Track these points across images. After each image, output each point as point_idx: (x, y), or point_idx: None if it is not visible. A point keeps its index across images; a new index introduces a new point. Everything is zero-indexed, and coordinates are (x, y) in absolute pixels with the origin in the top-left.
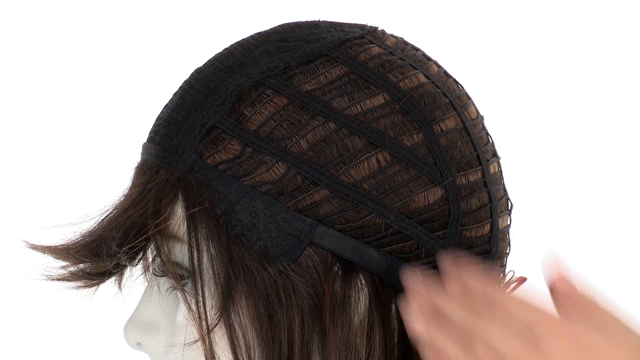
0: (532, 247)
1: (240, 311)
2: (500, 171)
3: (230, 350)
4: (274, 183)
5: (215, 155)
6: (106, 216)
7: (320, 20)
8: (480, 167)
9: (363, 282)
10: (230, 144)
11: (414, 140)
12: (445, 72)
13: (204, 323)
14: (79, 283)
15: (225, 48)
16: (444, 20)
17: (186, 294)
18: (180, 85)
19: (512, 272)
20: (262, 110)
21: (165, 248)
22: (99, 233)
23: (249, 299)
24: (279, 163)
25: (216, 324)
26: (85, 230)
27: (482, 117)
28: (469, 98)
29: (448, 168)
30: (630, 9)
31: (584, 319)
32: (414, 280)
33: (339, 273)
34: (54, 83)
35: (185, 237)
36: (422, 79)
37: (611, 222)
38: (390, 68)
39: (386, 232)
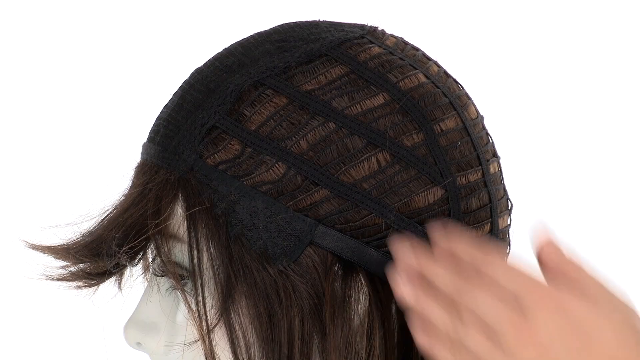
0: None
1: (240, 311)
2: (500, 171)
3: (230, 350)
4: (274, 183)
5: (215, 155)
6: (106, 216)
7: (320, 20)
8: (480, 167)
9: (363, 282)
10: (230, 144)
11: (414, 140)
12: (445, 72)
13: (204, 323)
14: (79, 283)
15: (225, 48)
16: (444, 20)
17: (186, 293)
18: (180, 85)
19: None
20: (262, 110)
21: (165, 248)
22: (99, 233)
23: (249, 299)
24: (279, 163)
25: (216, 324)
26: (85, 230)
27: (482, 117)
28: (469, 98)
29: (448, 168)
30: (630, 9)
31: (571, 288)
32: (403, 248)
33: (339, 273)
34: (54, 83)
35: (185, 237)
36: (422, 79)
37: (611, 222)
38: (390, 68)
39: (386, 232)
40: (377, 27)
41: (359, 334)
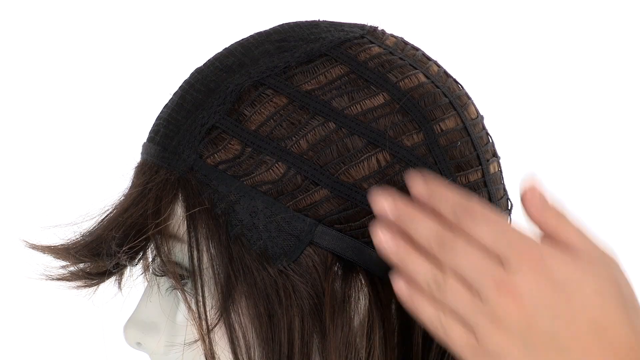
0: None
1: (240, 311)
2: (500, 171)
3: (230, 350)
4: (274, 183)
5: (215, 155)
6: (106, 216)
7: (320, 20)
8: (480, 167)
9: (363, 282)
10: (230, 143)
11: (414, 140)
12: (445, 72)
13: (204, 323)
14: (79, 283)
15: (225, 48)
16: (444, 20)
17: (186, 293)
18: (180, 85)
19: None
20: (262, 110)
21: (165, 248)
22: (99, 233)
23: (248, 299)
24: (279, 163)
25: (216, 324)
26: (85, 230)
27: (482, 117)
28: (469, 98)
29: (448, 168)
30: (630, 9)
31: (555, 243)
32: (383, 200)
33: (339, 273)
34: (54, 83)
35: (185, 237)
36: (422, 78)
37: (611, 222)
38: (390, 68)
39: None
40: (377, 27)
41: (359, 334)
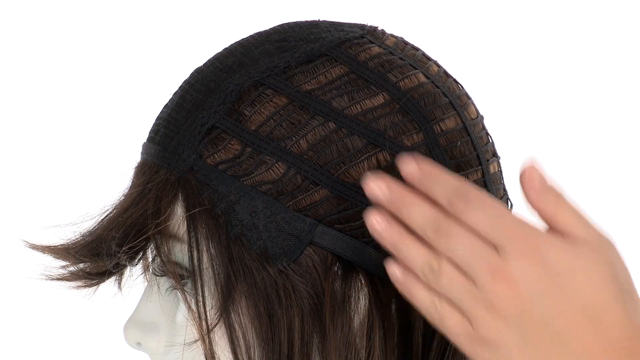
0: None
1: (240, 311)
2: (500, 171)
3: (230, 350)
4: (274, 183)
5: (215, 155)
6: (106, 216)
7: (320, 20)
8: (480, 166)
9: (363, 282)
10: (230, 143)
11: (414, 140)
12: (445, 72)
13: (203, 323)
14: (79, 283)
15: (225, 48)
16: (444, 20)
17: (186, 293)
18: (180, 85)
19: None
20: (262, 110)
21: (165, 248)
22: (99, 233)
23: (248, 299)
24: (279, 163)
25: (216, 324)
26: (85, 230)
27: (482, 117)
28: (468, 98)
29: (448, 168)
30: (630, 9)
31: (552, 229)
32: (376, 185)
33: (339, 273)
34: (54, 83)
35: (185, 237)
36: (422, 78)
37: (612, 221)
38: (390, 68)
39: None
40: (377, 27)
41: (359, 334)
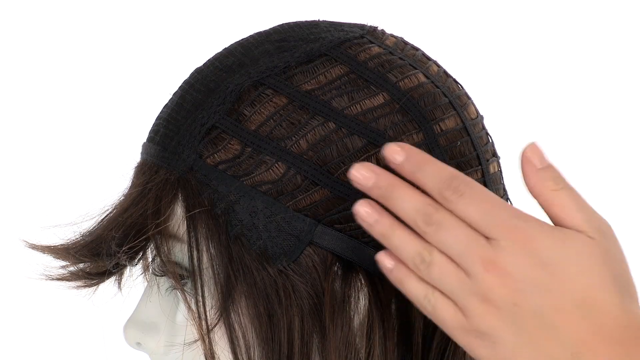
0: None
1: (240, 311)
2: (500, 171)
3: (230, 350)
4: (274, 183)
5: (215, 155)
6: (106, 216)
7: (320, 20)
8: (480, 166)
9: (363, 282)
10: (230, 143)
11: (414, 140)
12: (445, 72)
13: (203, 323)
14: (79, 283)
15: (225, 48)
16: (444, 20)
17: (186, 293)
18: (180, 85)
19: None
20: (262, 110)
21: (165, 248)
22: (99, 233)
23: (248, 299)
24: (279, 163)
25: (216, 324)
26: (85, 230)
27: (482, 117)
28: (468, 98)
29: None
30: (630, 9)
31: (546, 213)
32: (364, 172)
33: (339, 273)
34: (54, 83)
35: (185, 237)
36: (422, 78)
37: (611, 221)
38: (390, 68)
39: None
40: (377, 27)
41: (359, 333)
